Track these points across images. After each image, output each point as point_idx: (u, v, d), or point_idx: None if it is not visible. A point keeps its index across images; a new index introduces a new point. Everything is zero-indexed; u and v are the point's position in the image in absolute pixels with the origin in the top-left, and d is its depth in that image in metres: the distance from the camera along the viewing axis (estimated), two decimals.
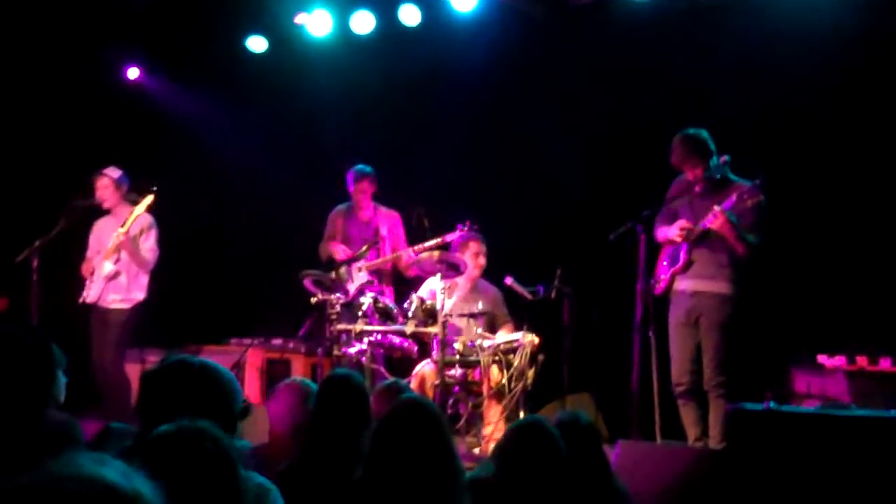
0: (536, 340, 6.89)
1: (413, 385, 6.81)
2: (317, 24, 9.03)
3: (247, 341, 8.80)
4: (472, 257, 7.38)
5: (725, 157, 6.42)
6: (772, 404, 4.96)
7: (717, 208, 6.29)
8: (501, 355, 6.86)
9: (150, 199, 7.62)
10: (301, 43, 9.22)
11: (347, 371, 4.86)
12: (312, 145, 9.27)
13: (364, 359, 7.06)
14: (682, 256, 6.56)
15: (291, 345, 8.69)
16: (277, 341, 8.80)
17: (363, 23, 8.92)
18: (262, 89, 9.50)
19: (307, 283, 7.45)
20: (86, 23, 8.96)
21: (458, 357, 6.94)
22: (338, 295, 7.22)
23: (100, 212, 8.01)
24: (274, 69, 9.43)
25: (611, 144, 8.13)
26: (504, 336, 7.19)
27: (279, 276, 8.69)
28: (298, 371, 8.51)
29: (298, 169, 9.25)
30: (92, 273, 7.83)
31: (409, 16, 8.70)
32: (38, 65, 9.11)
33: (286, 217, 9.25)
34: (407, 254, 7.76)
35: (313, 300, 7.38)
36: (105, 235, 7.89)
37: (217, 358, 8.52)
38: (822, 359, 6.65)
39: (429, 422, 3.48)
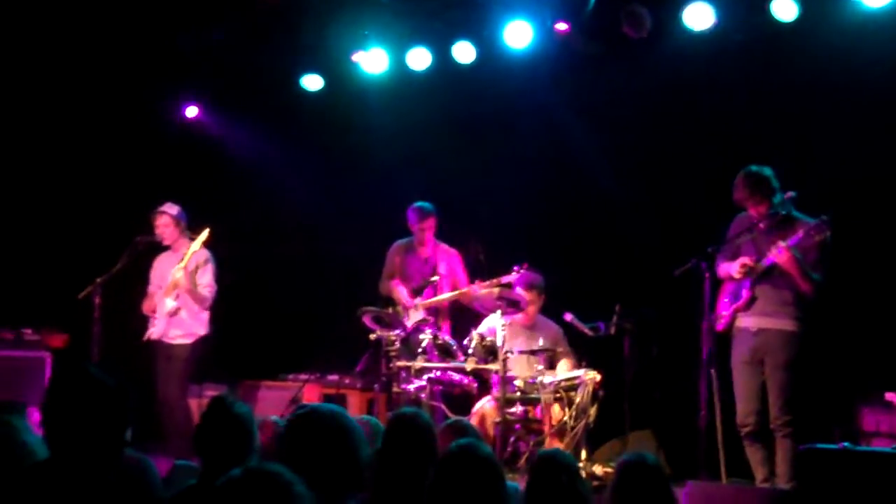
0: (598, 377, 6.85)
1: (474, 422, 6.76)
2: (372, 62, 9.09)
3: (303, 377, 8.83)
4: (531, 296, 7.38)
5: (791, 194, 6.36)
6: (846, 444, 4.88)
7: (782, 244, 6.23)
8: (563, 392, 6.83)
9: (205, 234, 7.69)
10: (356, 81, 9.28)
11: (415, 409, 4.85)
12: (368, 182, 9.30)
13: (424, 395, 7.05)
14: (745, 293, 6.49)
15: (348, 380, 8.70)
16: (333, 377, 8.81)
17: (419, 60, 8.97)
18: (317, 127, 9.56)
19: (366, 319, 7.47)
20: (146, 62, 9.09)
21: (518, 394, 6.91)
22: (397, 332, 7.22)
23: (160, 248, 8.09)
24: (330, 107, 9.49)
25: (671, 180, 8.09)
26: (565, 373, 7.15)
27: (335, 311, 8.74)
28: (354, 407, 8.51)
29: (355, 205, 9.29)
30: (154, 310, 7.90)
31: (464, 53, 8.73)
32: (99, 104, 9.24)
33: (343, 253, 9.28)
34: (471, 290, 7.72)
35: (372, 336, 7.40)
36: (165, 272, 7.97)
37: (274, 393, 8.70)
38: (890, 396, 6.54)
39: (482, 467, 3.49)
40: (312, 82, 9.49)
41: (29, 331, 8.54)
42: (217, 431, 4.04)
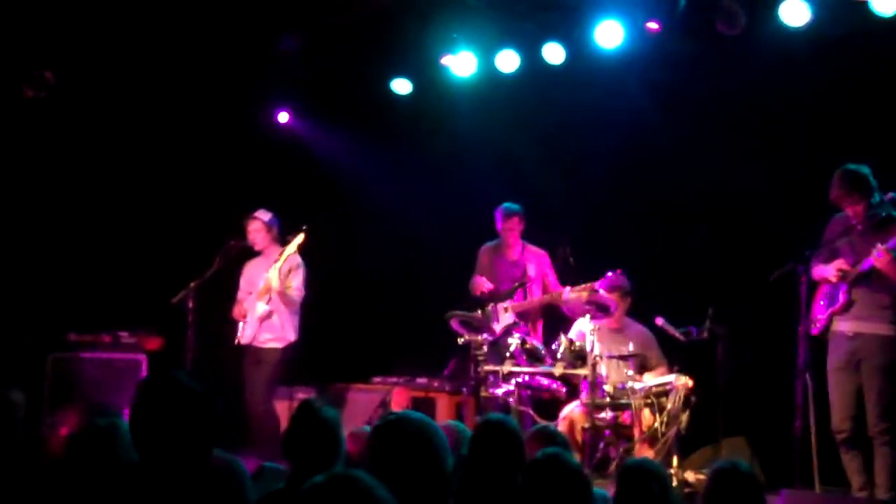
0: (690, 383, 6.71)
1: (562, 428, 6.72)
2: (461, 65, 9.08)
3: (391, 380, 8.89)
4: (621, 301, 7.28)
5: (892, 195, 6.15)
6: None
7: (881, 247, 6.03)
8: (653, 398, 6.71)
9: (300, 238, 7.77)
10: (445, 84, 9.28)
11: (502, 415, 4.82)
12: (458, 184, 9.29)
13: (512, 400, 7.01)
14: (842, 297, 6.30)
15: (436, 384, 8.71)
16: (422, 380, 8.84)
17: (507, 62, 8.92)
18: (407, 130, 9.60)
19: (454, 323, 7.45)
20: (239, 68, 9.23)
21: (608, 400, 6.81)
22: (485, 335, 7.19)
23: (252, 253, 8.20)
24: (419, 110, 9.52)
25: (766, 180, 7.89)
26: (656, 378, 7.03)
27: (424, 315, 8.73)
28: (443, 410, 8.51)
29: (444, 208, 9.29)
30: (244, 315, 8.00)
31: (554, 54, 8.66)
32: (195, 110, 9.41)
33: (431, 257, 9.29)
34: (560, 294, 7.65)
35: (460, 340, 7.38)
36: (256, 276, 8.08)
37: (362, 396, 8.75)
38: None
39: (569, 477, 3.47)
40: (402, 86, 9.53)
41: (125, 334, 8.76)
42: (305, 436, 4.07)
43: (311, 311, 8.19)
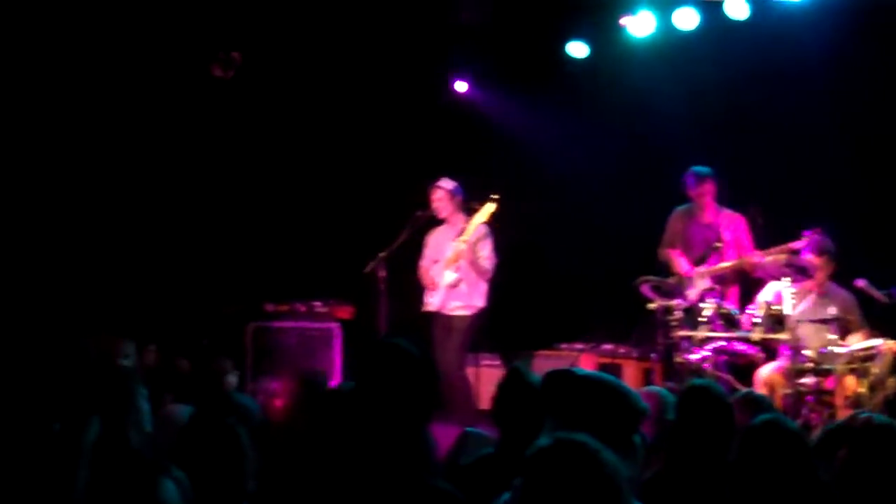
0: None
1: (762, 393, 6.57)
2: (640, 25, 8.92)
3: (577, 346, 8.86)
4: (821, 262, 7.05)
5: None
6: None
7: None
8: (858, 363, 6.49)
9: (490, 208, 7.81)
10: (622, 45, 9.15)
11: (708, 381, 4.76)
12: (640, 147, 9.15)
13: (706, 366, 6.90)
14: None
15: (623, 350, 8.65)
16: (608, 346, 8.78)
17: (687, 19, 8.72)
18: (584, 94, 9.50)
19: (644, 288, 7.38)
20: (419, 39, 9.33)
21: (809, 364, 6.63)
22: (678, 301, 7.09)
23: (437, 221, 8.30)
24: (596, 73, 9.41)
25: None
26: (859, 342, 6.79)
27: (609, 281, 8.69)
28: (630, 376, 8.43)
29: (627, 172, 9.17)
30: (432, 283, 8.11)
31: (736, 8, 8.40)
32: (377, 83, 9.57)
33: (615, 221, 9.18)
34: (754, 258, 7.47)
35: (651, 306, 7.30)
36: (441, 244, 8.17)
37: (549, 363, 8.74)
38: None
39: (791, 441, 3.41)
40: (578, 49, 9.44)
41: (319, 303, 9.04)
42: (514, 401, 4.11)
43: (497, 278, 8.23)
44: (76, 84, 8.67)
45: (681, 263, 7.79)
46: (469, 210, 8.04)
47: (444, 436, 4.89)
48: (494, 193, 7.91)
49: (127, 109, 8.96)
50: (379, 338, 3.34)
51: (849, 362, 6.55)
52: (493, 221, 8.04)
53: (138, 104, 8.97)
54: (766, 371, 6.95)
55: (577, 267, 9.53)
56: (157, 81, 8.93)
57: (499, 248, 8.15)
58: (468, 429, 5.44)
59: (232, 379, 6.76)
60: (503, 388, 4.26)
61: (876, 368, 6.43)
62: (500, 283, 8.43)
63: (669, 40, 8.92)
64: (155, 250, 9.16)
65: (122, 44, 8.62)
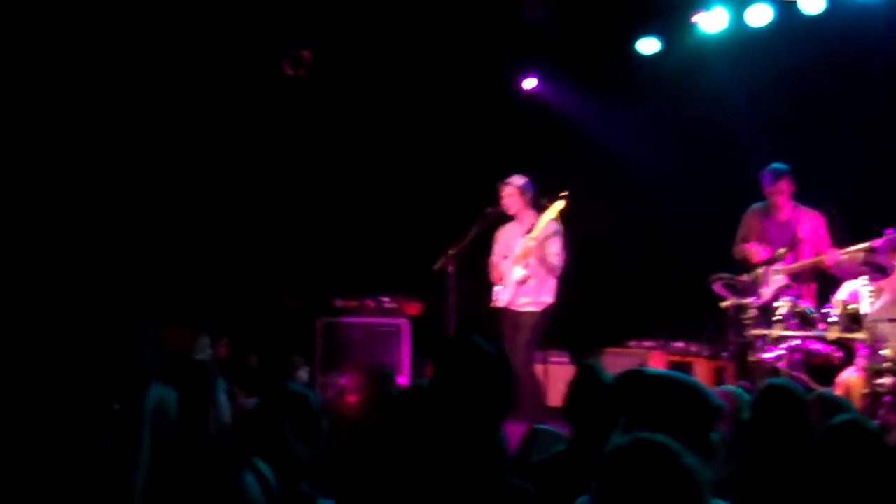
0: None
1: (838, 394, 6.45)
2: (712, 21, 8.83)
3: (647, 344, 8.79)
4: None
5: None
6: None
7: None
8: None
9: (560, 205, 7.78)
10: (694, 41, 9.06)
11: (785, 380, 4.69)
12: (713, 145, 9.05)
13: (782, 365, 6.80)
14: None
15: (693, 348, 8.56)
16: (679, 344, 8.70)
17: (760, 15, 8.61)
18: (655, 91, 9.42)
19: (717, 286, 7.30)
20: (487, 36, 9.33)
21: (887, 365, 6.49)
22: (752, 299, 7.00)
23: (506, 218, 8.29)
24: (667, 70, 9.32)
25: None
26: None
27: (680, 278, 8.61)
28: (701, 375, 8.34)
29: (699, 168, 9.07)
30: (501, 279, 8.11)
31: (811, 3, 8.27)
32: (446, 80, 9.60)
33: (687, 218, 9.09)
34: (831, 256, 7.34)
35: (724, 304, 7.22)
36: (510, 241, 8.16)
37: (618, 360, 8.70)
38: None
39: (871, 442, 3.33)
40: (649, 46, 9.37)
41: (387, 299, 9.10)
42: (587, 399, 4.09)
43: (566, 275, 8.20)
44: (155, 81, 8.83)
45: (757, 251, 7.65)
46: (539, 207, 8.02)
47: (512, 432, 4.88)
48: (564, 190, 7.88)
49: (200, 106, 9.09)
50: (455, 334, 3.32)
51: None
52: (562, 218, 8.01)
53: (211, 101, 9.10)
54: (845, 372, 6.84)
55: (648, 264, 9.47)
56: (230, 79, 9.05)
57: (568, 245, 8.12)
58: (537, 425, 5.43)
59: (302, 373, 6.85)
60: (576, 386, 4.25)
61: None
62: (570, 280, 8.40)
63: (742, 36, 8.83)
64: (228, 247, 9.29)
65: (196, 43, 8.74)
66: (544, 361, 8.71)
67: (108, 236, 8.54)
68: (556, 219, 7.88)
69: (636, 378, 3.52)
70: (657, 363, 8.64)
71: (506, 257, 8.16)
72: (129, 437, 2.54)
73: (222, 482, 2.64)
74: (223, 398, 3.67)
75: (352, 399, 4.99)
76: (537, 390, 7.83)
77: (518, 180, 8.13)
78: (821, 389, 5.68)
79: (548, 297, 8.02)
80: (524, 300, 8.00)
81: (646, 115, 9.46)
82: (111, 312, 2.69)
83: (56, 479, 2.19)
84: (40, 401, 2.39)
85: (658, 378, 3.42)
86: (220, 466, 2.70)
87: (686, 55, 9.18)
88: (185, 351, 5.16)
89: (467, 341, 3.19)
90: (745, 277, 7.34)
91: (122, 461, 2.46)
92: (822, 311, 6.82)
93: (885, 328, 6.72)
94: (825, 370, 7.07)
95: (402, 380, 8.11)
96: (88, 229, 8.41)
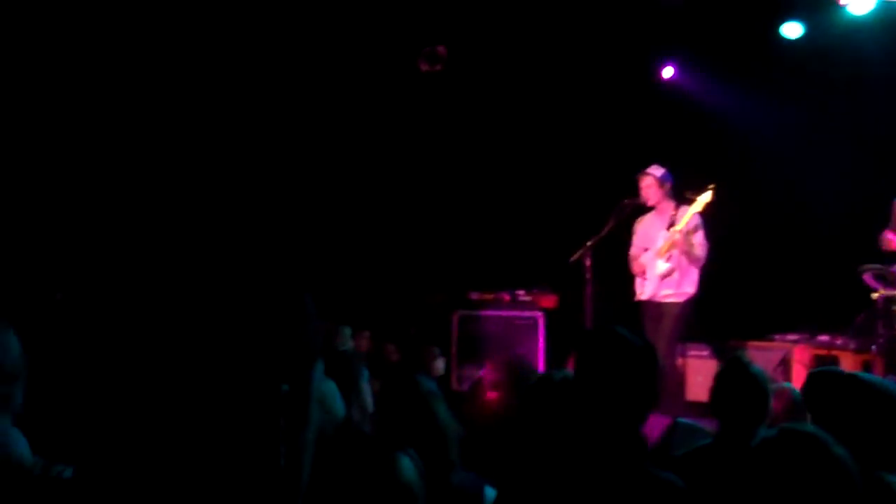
0: None
1: None
2: (858, 3, 8.51)
3: (790, 337, 8.56)
4: None
5: None
6: None
7: None
8: None
9: (707, 197, 7.60)
10: (840, 24, 8.75)
11: None
12: (859, 131, 8.75)
13: None
14: None
15: (840, 341, 8.29)
16: (824, 337, 8.44)
17: None
18: (798, 77, 9.15)
19: (867, 277, 7.06)
20: (625, 24, 9.23)
21: None
22: None
23: (645, 209, 8.17)
24: (811, 54, 9.05)
25: None
26: None
27: (826, 268, 8.36)
28: (847, 369, 8.04)
29: (845, 156, 8.78)
30: (643, 271, 7.99)
31: None
32: (581, 71, 9.54)
33: (834, 207, 8.81)
34: None
35: (874, 296, 6.97)
36: (650, 232, 8.03)
37: (761, 354, 8.50)
38: None
39: None
40: (792, 30, 9.11)
41: (522, 292, 9.10)
42: (734, 392, 4.02)
43: (707, 266, 8.03)
44: (299, 79, 9.04)
45: (890, 239, 7.35)
46: (680, 198, 7.86)
47: (653, 425, 4.82)
48: (704, 181, 7.70)
49: (341, 104, 9.26)
50: (599, 326, 3.27)
51: None
52: (707, 210, 7.84)
53: (351, 99, 9.26)
54: None
55: (793, 254, 9.20)
56: (368, 76, 9.19)
57: (711, 236, 7.94)
58: (679, 419, 5.35)
59: (439, 365, 6.91)
60: (723, 379, 4.17)
61: None
62: (712, 272, 8.23)
63: (891, 18, 8.48)
64: (364, 240, 9.45)
65: (334, 40, 8.91)
66: (683, 355, 8.59)
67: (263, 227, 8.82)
68: (700, 212, 7.71)
69: (829, 381, 3.47)
70: (803, 357, 8.41)
71: (646, 249, 8.03)
72: (296, 417, 2.60)
73: (379, 466, 2.69)
74: (366, 387, 3.73)
75: (492, 395, 5.00)
76: (679, 383, 7.70)
77: (657, 170, 7.99)
78: None
79: (690, 288, 7.86)
80: (666, 291, 7.85)
81: (789, 102, 9.20)
82: (278, 292, 2.77)
83: (233, 461, 2.26)
84: (214, 382, 2.48)
85: (852, 381, 3.37)
86: (376, 451, 2.75)
87: (831, 39, 8.88)
88: (328, 343, 5.24)
89: (612, 332, 3.17)
90: (894, 268, 7.06)
91: (291, 440, 2.54)
92: None
93: None
94: None
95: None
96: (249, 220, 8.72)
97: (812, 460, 2.54)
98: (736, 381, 4.07)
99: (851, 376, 3.41)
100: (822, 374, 3.64)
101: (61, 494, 2.03)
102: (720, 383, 4.17)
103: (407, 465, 2.72)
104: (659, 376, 3.23)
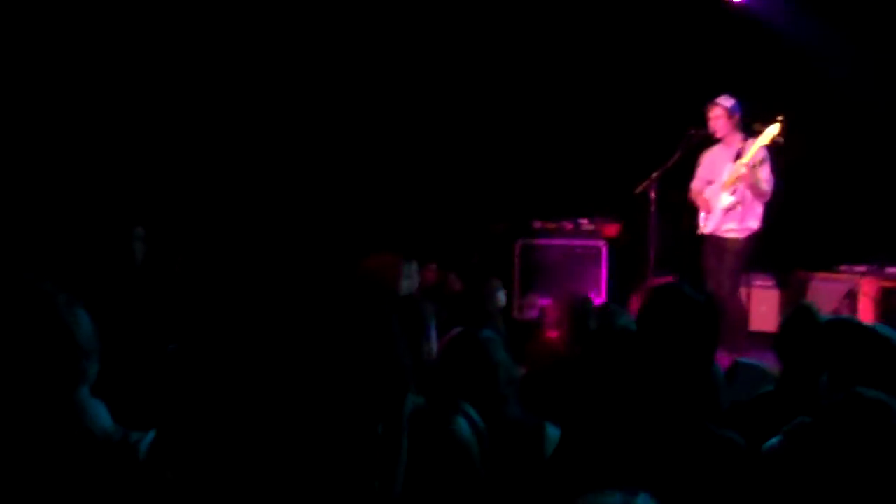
0: None
1: None
2: None
3: (858, 268, 8.45)
4: None
5: None
6: None
7: None
8: None
9: (774, 130, 7.43)
10: None
11: None
12: None
13: None
14: None
15: None
16: (893, 269, 8.31)
17: None
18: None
19: None
20: None
21: None
22: None
23: (712, 140, 8.02)
24: None
25: None
26: None
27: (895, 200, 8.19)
28: None
29: None
30: (707, 204, 7.88)
31: None
32: None
33: None
34: None
35: None
36: (716, 165, 7.88)
37: (827, 286, 8.41)
38: None
39: None
40: None
41: (585, 221, 9.07)
42: (800, 340, 4.02)
43: (776, 196, 7.88)
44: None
45: None
46: (749, 130, 7.70)
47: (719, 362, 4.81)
48: (779, 113, 7.51)
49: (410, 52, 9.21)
50: (664, 284, 3.25)
51: None
52: (776, 143, 7.67)
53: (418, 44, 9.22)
54: None
55: (861, 184, 8.99)
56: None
57: (779, 165, 7.78)
58: (741, 359, 5.33)
59: (500, 296, 6.93)
60: (790, 325, 4.17)
61: None
62: (778, 203, 8.09)
63: None
64: (431, 170, 9.46)
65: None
66: (748, 285, 8.53)
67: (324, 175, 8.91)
68: (767, 145, 7.55)
69: (847, 328, 3.46)
70: (869, 289, 8.30)
71: (710, 182, 7.89)
72: (390, 456, 2.38)
73: (436, 428, 2.73)
74: (434, 334, 3.76)
75: (553, 334, 5.02)
76: (743, 319, 7.66)
77: (726, 101, 7.80)
78: None
79: (754, 223, 7.75)
80: (730, 226, 7.74)
81: (863, 29, 8.90)
82: (364, 311, 2.38)
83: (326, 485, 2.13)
84: (307, 425, 2.21)
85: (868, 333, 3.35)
86: (432, 413, 2.79)
87: None
88: (392, 278, 5.27)
89: (675, 289, 3.17)
90: None
91: (384, 477, 2.29)
92: None
93: None
94: None
95: (599, 301, 8.08)
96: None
97: (878, 423, 2.54)
98: (801, 330, 4.07)
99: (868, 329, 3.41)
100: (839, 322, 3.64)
101: (140, 461, 2.09)
102: (786, 329, 4.18)
103: (463, 427, 2.76)
104: (720, 332, 3.21)
